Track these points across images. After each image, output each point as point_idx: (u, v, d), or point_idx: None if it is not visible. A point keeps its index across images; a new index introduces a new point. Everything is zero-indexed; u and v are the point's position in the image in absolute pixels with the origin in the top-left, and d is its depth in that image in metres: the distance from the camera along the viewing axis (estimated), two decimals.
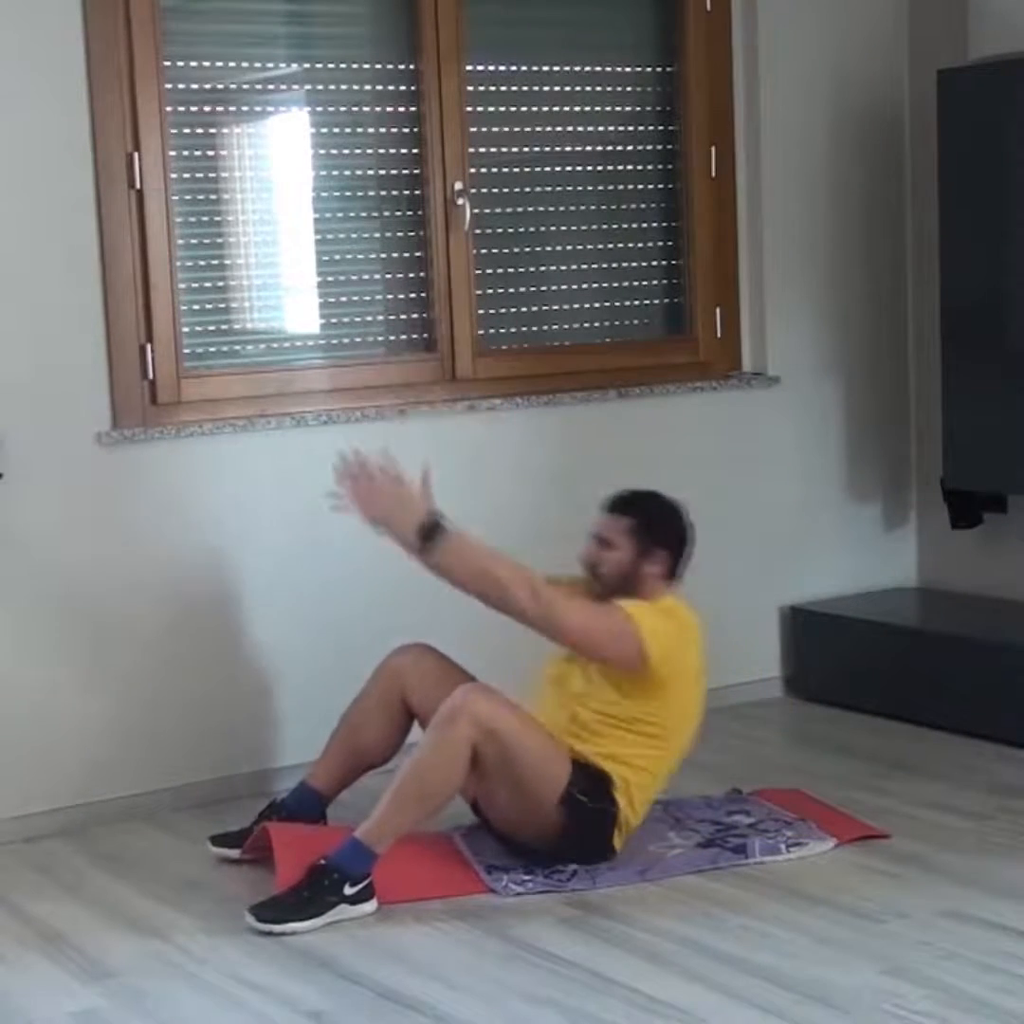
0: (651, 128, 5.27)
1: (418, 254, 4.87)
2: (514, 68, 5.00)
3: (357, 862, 3.65)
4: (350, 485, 3.85)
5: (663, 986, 3.27)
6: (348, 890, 3.63)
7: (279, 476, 4.61)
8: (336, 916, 3.62)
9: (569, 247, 5.16)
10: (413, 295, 4.89)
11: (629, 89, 5.22)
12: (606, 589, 3.98)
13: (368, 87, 4.81)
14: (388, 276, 4.92)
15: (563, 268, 5.14)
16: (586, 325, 5.21)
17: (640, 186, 5.26)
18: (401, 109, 4.83)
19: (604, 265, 5.22)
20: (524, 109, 5.02)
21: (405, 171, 4.85)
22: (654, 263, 5.31)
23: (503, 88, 4.98)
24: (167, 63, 4.45)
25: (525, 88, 5.02)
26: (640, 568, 3.97)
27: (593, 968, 3.37)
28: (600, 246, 5.22)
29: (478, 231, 4.93)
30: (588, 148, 5.16)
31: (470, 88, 4.88)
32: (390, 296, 4.91)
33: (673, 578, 4.03)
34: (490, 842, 3.99)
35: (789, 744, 5.10)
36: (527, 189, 5.07)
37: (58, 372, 4.33)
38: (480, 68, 4.92)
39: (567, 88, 5.09)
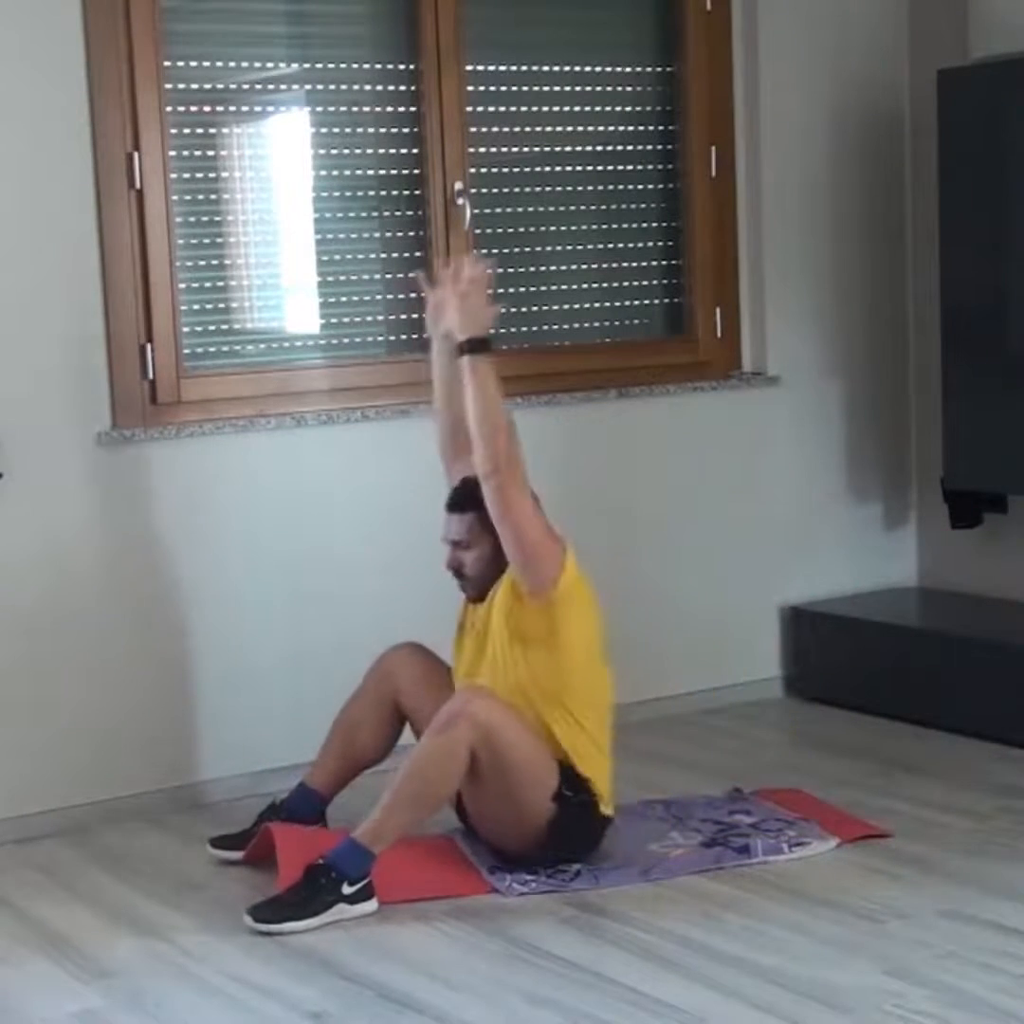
0: (651, 128, 5.27)
1: (418, 254, 4.87)
2: (514, 68, 5.00)
3: (354, 862, 3.65)
4: (438, 292, 3.97)
5: (663, 986, 3.27)
6: (346, 890, 3.63)
7: (279, 476, 4.61)
8: (334, 916, 3.62)
9: (569, 247, 5.16)
10: (413, 295, 4.88)
11: (629, 89, 5.22)
12: (479, 589, 3.95)
13: (368, 87, 4.81)
14: (388, 276, 4.92)
15: (563, 268, 5.14)
16: (586, 325, 5.20)
17: (640, 186, 5.26)
18: (401, 109, 4.83)
19: (604, 265, 5.22)
20: (524, 109, 5.02)
21: (405, 171, 4.85)
22: (654, 263, 5.30)
23: (503, 88, 4.98)
24: (167, 63, 4.45)
25: (525, 88, 5.02)
26: (503, 555, 3.88)
27: (594, 968, 3.37)
28: (600, 246, 5.22)
29: (478, 231, 4.93)
30: (588, 148, 5.16)
31: (470, 88, 4.88)
32: (390, 296, 4.91)
33: None
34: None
35: (789, 744, 5.09)
36: (527, 189, 5.07)
37: (58, 372, 4.33)
38: (480, 68, 4.92)
39: (567, 88, 5.08)
